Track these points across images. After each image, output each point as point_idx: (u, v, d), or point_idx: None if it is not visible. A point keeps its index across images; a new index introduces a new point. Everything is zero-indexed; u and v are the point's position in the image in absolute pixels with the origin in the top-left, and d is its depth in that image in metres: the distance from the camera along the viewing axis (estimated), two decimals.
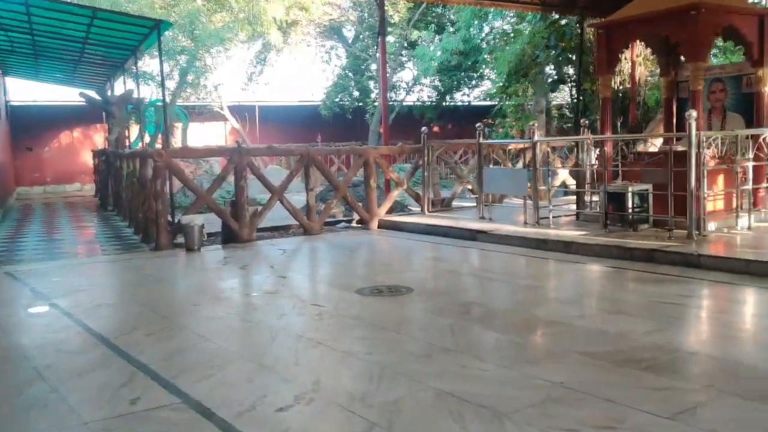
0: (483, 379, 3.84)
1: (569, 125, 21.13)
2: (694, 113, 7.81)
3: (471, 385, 3.74)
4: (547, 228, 9.36)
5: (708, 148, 8.03)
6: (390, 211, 11.75)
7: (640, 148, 11.10)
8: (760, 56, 9.08)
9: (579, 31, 14.06)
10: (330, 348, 4.59)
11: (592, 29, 11.51)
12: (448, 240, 9.54)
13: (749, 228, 8.37)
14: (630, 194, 8.66)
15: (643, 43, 10.38)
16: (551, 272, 7.48)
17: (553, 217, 9.69)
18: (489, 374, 3.94)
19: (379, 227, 11.12)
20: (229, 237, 9.85)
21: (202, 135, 29.03)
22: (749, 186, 8.53)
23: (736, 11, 8.85)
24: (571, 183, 12.97)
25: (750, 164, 8.51)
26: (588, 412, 3.31)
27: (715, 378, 3.77)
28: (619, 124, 14.62)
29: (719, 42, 12.81)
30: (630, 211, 8.68)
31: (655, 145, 11.01)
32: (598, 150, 9.93)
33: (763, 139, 8.64)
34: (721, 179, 8.61)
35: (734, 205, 9.02)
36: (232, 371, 4.15)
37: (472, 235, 9.47)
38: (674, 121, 10.46)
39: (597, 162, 9.73)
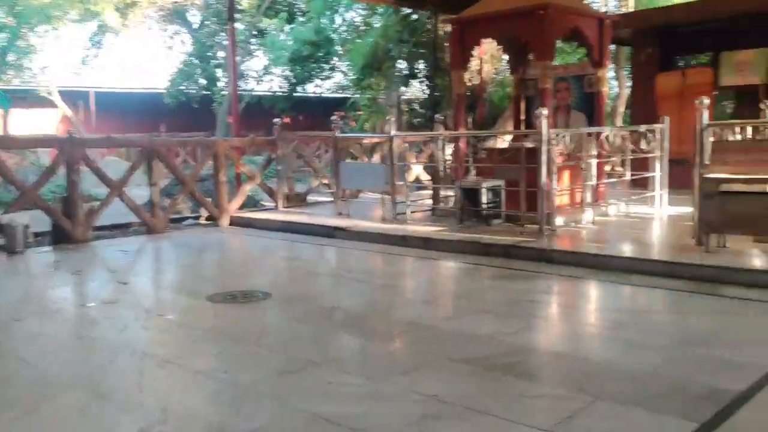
0: (355, 397, 3.54)
1: (419, 120, 21.51)
2: (544, 111, 8.01)
3: (342, 404, 3.43)
4: (404, 224, 9.26)
5: (557, 145, 8.27)
6: (242, 207, 11.17)
7: (491, 144, 11.36)
8: (600, 58, 9.52)
9: (432, 26, 14.19)
10: (180, 367, 4.09)
11: (446, 25, 11.60)
12: (304, 237, 9.17)
13: (593, 222, 8.75)
14: (484, 190, 8.76)
15: (494, 40, 10.58)
16: (414, 270, 7.36)
17: (411, 212, 9.62)
18: (360, 390, 3.64)
19: (230, 224, 10.52)
20: (60, 237, 8.84)
21: (28, 122, 26.41)
22: (593, 182, 8.92)
23: (581, 13, 9.22)
24: (425, 178, 13.07)
25: (593, 161, 8.91)
26: (469, 430, 3.11)
27: (585, 381, 3.72)
28: (469, 120, 14.95)
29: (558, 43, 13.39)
30: (484, 206, 8.80)
31: (505, 141, 11.30)
32: (452, 145, 10.00)
33: (605, 137, 9.06)
34: (566, 175, 8.95)
35: (579, 200, 9.48)
36: (60, 404, 3.54)
37: (330, 232, 9.17)
38: (523, 118, 10.78)
39: (452, 158, 9.79)
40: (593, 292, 6.13)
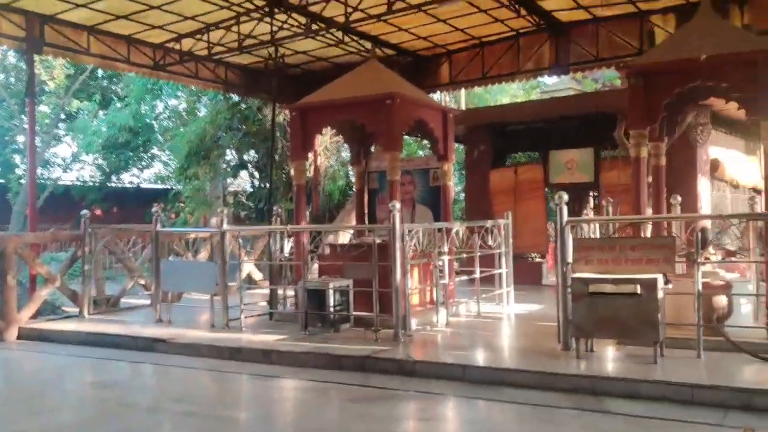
0: None
1: (246, 213, 20.34)
2: (397, 204, 7.36)
3: None
4: (239, 332, 8.02)
5: (411, 241, 7.63)
6: (36, 316, 9.26)
7: (331, 239, 10.56)
8: (445, 151, 9.20)
9: (263, 115, 13.42)
10: None
11: (286, 113, 10.83)
12: (116, 353, 7.58)
13: (447, 324, 8.11)
14: (331, 291, 7.83)
15: (335, 129, 9.96)
16: (254, 395, 6.14)
17: (245, 317, 8.39)
18: None
19: (19, 338, 8.58)
20: None
21: None
22: (445, 280, 8.34)
23: (425, 105, 8.89)
24: (259, 277, 11.90)
25: (446, 258, 8.36)
26: None
27: None
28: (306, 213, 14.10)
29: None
30: (331, 309, 7.84)
31: (346, 236, 10.54)
32: (292, 241, 9.03)
33: (456, 233, 8.60)
34: (416, 273, 8.31)
35: (429, 299, 8.86)
36: None
37: (149, 345, 7.68)
38: (365, 211, 10.16)
39: (293, 254, 8.81)
40: (468, 415, 5.30)
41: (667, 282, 6.02)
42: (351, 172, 22.16)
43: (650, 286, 5.86)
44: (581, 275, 6.21)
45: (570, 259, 6.55)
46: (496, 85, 13.71)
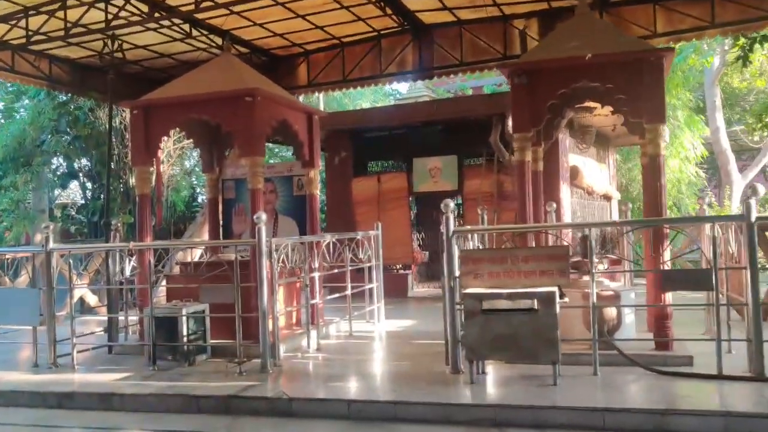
0: None
1: (78, 228, 18.19)
2: (263, 216, 6.43)
3: None
4: (70, 371, 6.68)
5: (279, 257, 6.71)
6: None
7: (179, 256, 9.34)
8: (310, 157, 8.38)
9: (95, 117, 11.84)
10: None
11: (124, 115, 9.45)
12: None
13: (318, 348, 7.27)
14: (184, 318, 6.72)
15: (184, 131, 8.79)
16: None
17: (77, 353, 7.03)
18: None
19: None
20: None
21: None
22: (317, 299, 7.50)
23: (289, 105, 8.01)
24: (93, 301, 10.37)
25: (316, 275, 7.52)
26: None
27: None
28: None
29: None
30: (185, 339, 6.73)
31: (199, 252, 9.36)
32: (134, 260, 7.77)
33: (326, 246, 7.80)
34: (282, 293, 7.41)
35: (295, 321, 8.03)
36: None
37: None
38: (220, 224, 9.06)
39: (136, 276, 7.56)
40: None
41: (562, 295, 5.59)
42: (195, 182, 20.66)
43: (548, 300, 5.38)
44: (473, 290, 5.63)
45: (457, 273, 5.98)
46: (357, 90, 13.10)
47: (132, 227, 12.54)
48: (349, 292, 8.24)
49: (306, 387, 5.87)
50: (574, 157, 11.70)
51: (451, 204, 6.05)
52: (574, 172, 11.37)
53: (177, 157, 15.18)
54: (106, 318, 7.83)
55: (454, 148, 11.89)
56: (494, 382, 5.62)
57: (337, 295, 8.08)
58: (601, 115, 11.05)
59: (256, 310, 6.60)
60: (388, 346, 7.55)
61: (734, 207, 14.91)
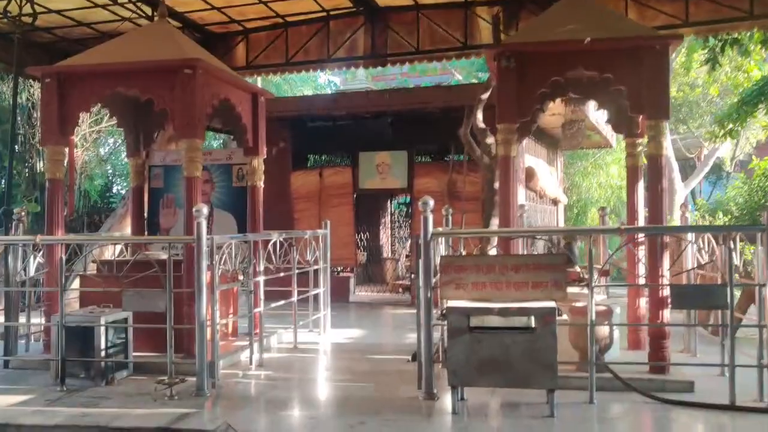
0: None
1: None
2: (204, 209, 5.39)
3: None
4: None
5: (220, 258, 5.69)
6: None
7: (98, 254, 8.08)
8: (255, 143, 7.36)
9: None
10: None
11: (32, 89, 8.09)
12: None
13: (260, 364, 6.27)
14: (102, 329, 5.59)
15: (106, 107, 7.55)
16: None
17: None
18: None
19: None
20: None
21: None
22: (260, 308, 6.49)
23: (232, 82, 6.95)
24: None
25: (261, 279, 6.51)
26: None
27: None
28: None
29: None
30: (103, 353, 5.60)
31: (119, 248, 8.13)
32: (41, 256, 6.54)
33: (272, 246, 6.81)
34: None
35: (231, 331, 7.04)
36: None
37: None
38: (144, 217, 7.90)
39: (43, 276, 6.35)
40: None
41: (560, 312, 4.84)
42: (110, 171, 19.02)
43: (546, 317, 4.61)
44: (457, 304, 4.80)
45: (434, 283, 5.15)
46: (299, 75, 12.06)
47: (38, 217, 11.07)
48: (295, 298, 7.27)
49: (253, 417, 4.88)
50: (529, 158, 11.13)
51: (431, 202, 5.20)
52: (530, 174, 10.79)
53: (92, 142, 13.69)
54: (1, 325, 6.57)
55: (404, 142, 11.07)
56: (479, 412, 4.81)
57: (282, 302, 7.08)
58: (557, 114, 10.55)
59: (188, 320, 5.60)
60: (341, 363, 6.62)
61: (676, 216, 14.77)
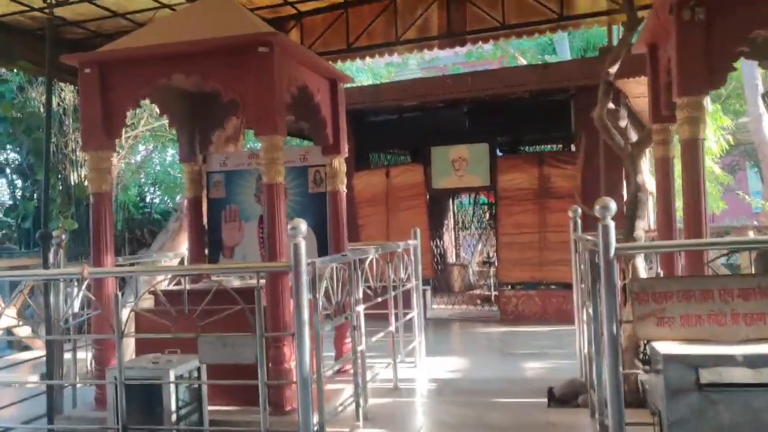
0: None
1: (4, 233, 15.14)
2: (303, 226, 4.04)
3: None
4: None
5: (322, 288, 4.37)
6: None
7: (149, 280, 6.80)
8: (336, 139, 6.06)
9: (23, 96, 9.13)
10: None
11: (64, 93, 6.78)
12: None
13: (367, 417, 4.94)
14: (172, 386, 4.29)
15: (155, 103, 6.26)
16: None
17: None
18: None
19: None
20: None
21: None
22: (362, 346, 5.14)
23: (310, 65, 5.64)
24: (24, 333, 7.77)
25: (361, 308, 5.17)
26: None
27: None
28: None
29: None
30: (174, 416, 4.31)
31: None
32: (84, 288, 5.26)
33: (369, 265, 5.47)
34: None
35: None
36: None
37: None
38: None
39: (94, 319, 5.09)
40: None
41: None
42: (143, 179, 17.81)
43: None
44: (678, 349, 3.41)
45: (625, 316, 3.79)
46: (364, 62, 10.75)
47: (75, 235, 9.85)
48: (393, 326, 5.95)
49: None
50: None
51: (613, 206, 3.80)
52: None
53: (129, 149, 12.51)
54: (40, 353, 5.33)
55: (484, 134, 9.67)
56: None
57: (381, 333, 5.75)
58: None
59: (273, 365, 4.33)
60: (464, 411, 5.22)
61: None
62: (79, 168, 11.57)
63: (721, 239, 4.44)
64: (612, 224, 3.81)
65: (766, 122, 13.29)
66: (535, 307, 9.33)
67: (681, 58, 4.29)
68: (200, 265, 6.20)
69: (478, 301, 11.19)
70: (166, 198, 19.12)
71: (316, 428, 4.04)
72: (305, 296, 3.99)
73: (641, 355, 3.74)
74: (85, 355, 5.79)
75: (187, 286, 5.10)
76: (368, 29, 9.28)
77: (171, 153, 20.92)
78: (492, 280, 11.34)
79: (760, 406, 3.21)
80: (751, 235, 7.70)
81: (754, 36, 4.23)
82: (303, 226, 4.03)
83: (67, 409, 5.24)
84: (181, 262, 7.28)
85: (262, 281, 4.74)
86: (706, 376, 3.27)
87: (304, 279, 4.00)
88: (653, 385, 3.57)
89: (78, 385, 5.45)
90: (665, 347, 3.44)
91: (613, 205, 3.81)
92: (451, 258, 13.75)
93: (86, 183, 10.41)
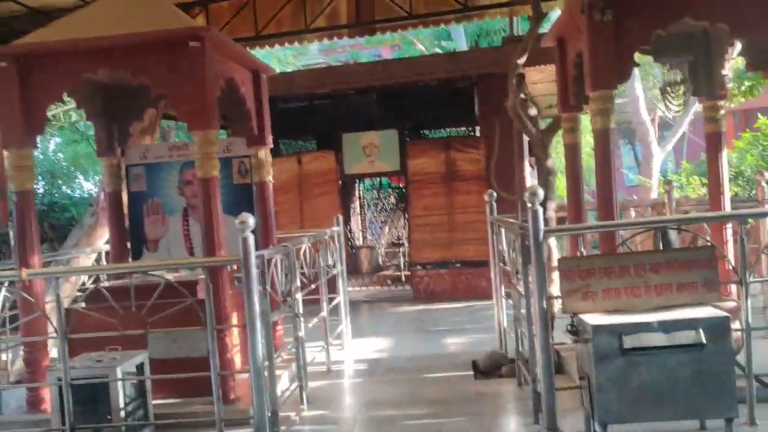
0: None
1: None
2: (251, 220, 4.16)
3: None
4: None
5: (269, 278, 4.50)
6: None
7: (73, 280, 6.63)
8: (260, 130, 6.13)
9: None
10: None
11: None
12: None
13: (306, 399, 5.13)
14: (119, 384, 4.31)
15: (73, 99, 6.06)
16: None
17: None
18: None
19: None
20: None
21: None
22: (301, 332, 5.30)
23: (237, 58, 5.69)
24: None
25: (299, 296, 5.33)
26: None
27: None
28: None
29: None
30: (123, 413, 4.34)
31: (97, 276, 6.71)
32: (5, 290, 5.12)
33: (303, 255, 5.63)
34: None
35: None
36: None
37: None
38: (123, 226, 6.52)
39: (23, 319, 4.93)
40: None
41: None
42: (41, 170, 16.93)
43: (719, 328, 3.72)
44: (604, 320, 3.83)
45: (555, 292, 4.19)
46: (269, 50, 10.71)
47: None
48: (326, 311, 6.16)
49: None
50: None
51: (541, 193, 4.18)
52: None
53: None
54: None
55: (394, 120, 9.96)
56: None
57: (314, 319, 5.93)
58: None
59: (224, 358, 4.46)
60: (398, 389, 5.49)
61: (654, 180, 14.38)
62: None
63: (633, 220, 4.93)
64: (540, 209, 4.19)
65: (642, 104, 14.39)
66: (445, 285, 9.77)
67: (592, 55, 4.72)
68: (146, 261, 6.14)
69: (389, 282, 11.56)
70: (53, 191, 18.29)
71: (269, 414, 4.18)
72: (255, 288, 4.12)
73: (569, 327, 4.14)
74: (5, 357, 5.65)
75: (111, 283, 5.10)
76: (277, 17, 9.31)
77: (55, 142, 19.98)
78: (402, 261, 11.73)
79: (674, 365, 3.68)
80: (632, 211, 8.44)
81: (655, 35, 4.70)
82: (251, 220, 4.15)
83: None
84: (98, 259, 7.15)
85: (201, 276, 4.84)
86: (629, 341, 3.71)
87: (254, 271, 4.13)
88: (582, 352, 3.98)
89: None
90: (592, 319, 3.85)
91: (541, 192, 4.20)
92: (359, 241, 14.04)
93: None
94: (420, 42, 15.41)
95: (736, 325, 4.55)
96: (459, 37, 15.09)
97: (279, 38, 9.41)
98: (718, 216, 5.53)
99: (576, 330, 4.02)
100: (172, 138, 12.35)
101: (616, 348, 3.72)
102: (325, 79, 9.90)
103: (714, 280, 4.02)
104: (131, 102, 6.22)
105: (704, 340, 3.67)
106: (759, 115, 11.54)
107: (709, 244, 4.59)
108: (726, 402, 3.70)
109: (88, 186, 19.82)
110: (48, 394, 4.95)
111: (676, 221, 5.39)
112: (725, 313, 3.77)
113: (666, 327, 3.73)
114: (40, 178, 17.65)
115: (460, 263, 9.72)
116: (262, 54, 11.87)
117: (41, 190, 17.47)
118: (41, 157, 18.36)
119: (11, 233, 7.05)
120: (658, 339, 3.72)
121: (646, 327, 3.74)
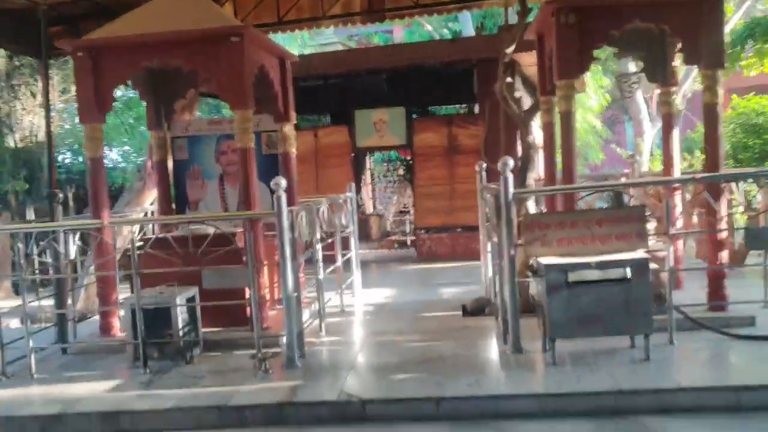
0: None
1: None
2: (283, 182, 5.33)
3: None
4: (32, 382, 5.32)
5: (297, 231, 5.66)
6: None
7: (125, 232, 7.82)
8: (285, 108, 7.24)
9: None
10: None
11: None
12: None
13: (324, 330, 6.33)
14: (179, 309, 5.52)
15: (133, 82, 7.19)
16: None
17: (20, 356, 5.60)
18: None
19: None
20: None
21: None
22: (321, 275, 6.48)
23: (267, 48, 6.78)
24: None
25: (319, 247, 6.50)
26: None
27: None
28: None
29: None
30: (180, 333, 5.55)
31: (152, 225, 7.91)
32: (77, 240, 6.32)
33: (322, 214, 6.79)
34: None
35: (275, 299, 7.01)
36: None
37: None
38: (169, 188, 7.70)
39: (95, 260, 6.15)
40: None
41: None
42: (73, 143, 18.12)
43: (641, 267, 4.87)
44: (553, 261, 4.98)
45: (518, 240, 5.33)
46: (289, 34, 11.77)
47: (29, 195, 10.56)
48: (340, 262, 7.33)
49: (359, 382, 4.95)
50: None
51: (511, 162, 5.31)
52: None
53: (61, 111, 13.05)
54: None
55: (401, 99, 11.05)
56: (578, 362, 5.02)
57: (331, 267, 7.12)
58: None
59: (259, 293, 5.62)
60: (401, 323, 6.69)
61: (645, 155, 15.36)
62: (14, 131, 12.07)
63: (583, 184, 6.03)
64: (511, 176, 5.33)
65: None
66: (445, 247, 10.92)
67: (559, 51, 5.79)
68: (201, 213, 7.35)
69: (396, 245, 12.74)
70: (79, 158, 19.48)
71: (296, 336, 5.37)
72: (287, 236, 5.29)
73: (531, 268, 5.26)
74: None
75: (166, 234, 6.28)
76: (297, 4, 10.34)
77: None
78: (408, 227, 12.89)
79: (605, 295, 4.84)
80: (623, 180, 9.53)
81: (612, 35, 5.76)
82: (283, 182, 5.31)
83: (75, 340, 6.31)
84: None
85: (240, 229, 6.02)
86: (572, 277, 4.87)
87: (285, 222, 5.29)
88: (538, 286, 5.14)
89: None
90: (546, 260, 5.00)
91: (511, 162, 5.33)
92: (369, 209, 15.22)
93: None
94: (428, 23, 16.39)
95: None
96: (465, 19, 16.04)
97: (299, 24, 10.47)
98: (639, 183, 6.64)
99: (536, 270, 5.17)
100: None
101: (563, 282, 4.88)
102: (339, 61, 10.97)
103: (644, 232, 5.16)
104: (176, 84, 7.32)
105: (629, 276, 4.83)
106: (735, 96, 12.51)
107: (641, 204, 5.70)
108: (644, 322, 4.87)
109: (112, 156, 20.96)
110: (117, 322, 6.24)
111: (614, 186, 6.51)
112: (646, 256, 4.91)
113: (601, 266, 4.88)
114: (68, 148, 18.89)
115: (460, 228, 10.84)
116: (283, 37, 12.91)
117: (68, 161, 18.69)
118: (68, 127, 19.54)
119: (64, 195, 8.22)
120: (595, 275, 4.88)
121: (586, 266, 4.90)
